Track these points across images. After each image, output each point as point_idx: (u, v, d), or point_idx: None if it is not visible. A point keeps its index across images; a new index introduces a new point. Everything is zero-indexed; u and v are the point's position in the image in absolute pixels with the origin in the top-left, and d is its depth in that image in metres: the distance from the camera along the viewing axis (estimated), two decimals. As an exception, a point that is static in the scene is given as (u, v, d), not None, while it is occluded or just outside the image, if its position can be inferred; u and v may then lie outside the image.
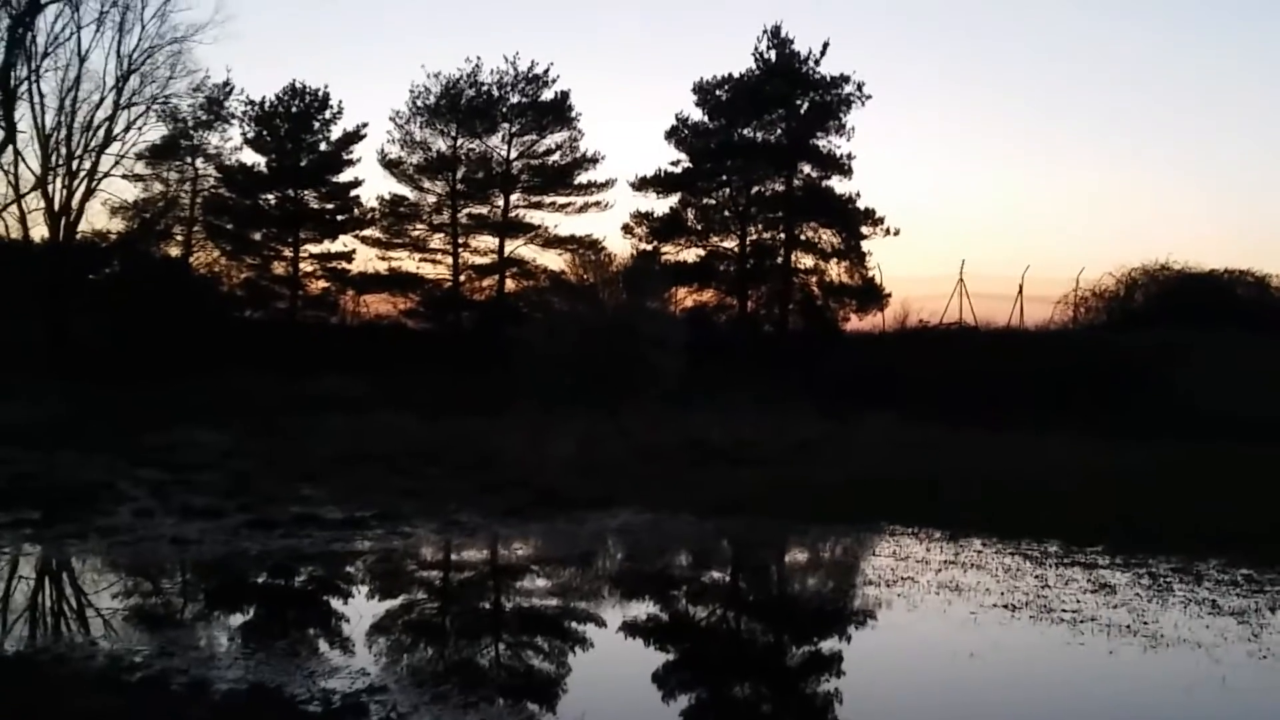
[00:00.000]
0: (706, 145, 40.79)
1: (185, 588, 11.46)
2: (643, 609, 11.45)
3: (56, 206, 34.45)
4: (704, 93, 40.71)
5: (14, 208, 34.36)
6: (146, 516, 13.86)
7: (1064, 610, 10.33)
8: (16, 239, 34.79)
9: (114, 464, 17.56)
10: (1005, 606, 10.49)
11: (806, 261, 40.57)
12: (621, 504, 15.84)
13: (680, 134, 41.08)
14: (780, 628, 11.14)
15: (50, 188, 34.46)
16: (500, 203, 41.80)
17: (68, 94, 33.95)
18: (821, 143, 40.17)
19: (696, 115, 40.93)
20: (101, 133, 34.97)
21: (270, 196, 42.52)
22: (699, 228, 41.24)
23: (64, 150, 34.43)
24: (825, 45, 39.58)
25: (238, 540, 12.80)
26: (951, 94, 76.15)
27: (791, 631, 10.90)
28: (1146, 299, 38.71)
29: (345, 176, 42.74)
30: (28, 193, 34.30)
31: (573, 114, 41.51)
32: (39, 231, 35.29)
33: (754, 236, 40.78)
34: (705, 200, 41.30)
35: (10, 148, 33.85)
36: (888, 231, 39.73)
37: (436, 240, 42.37)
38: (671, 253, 41.02)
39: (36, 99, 33.51)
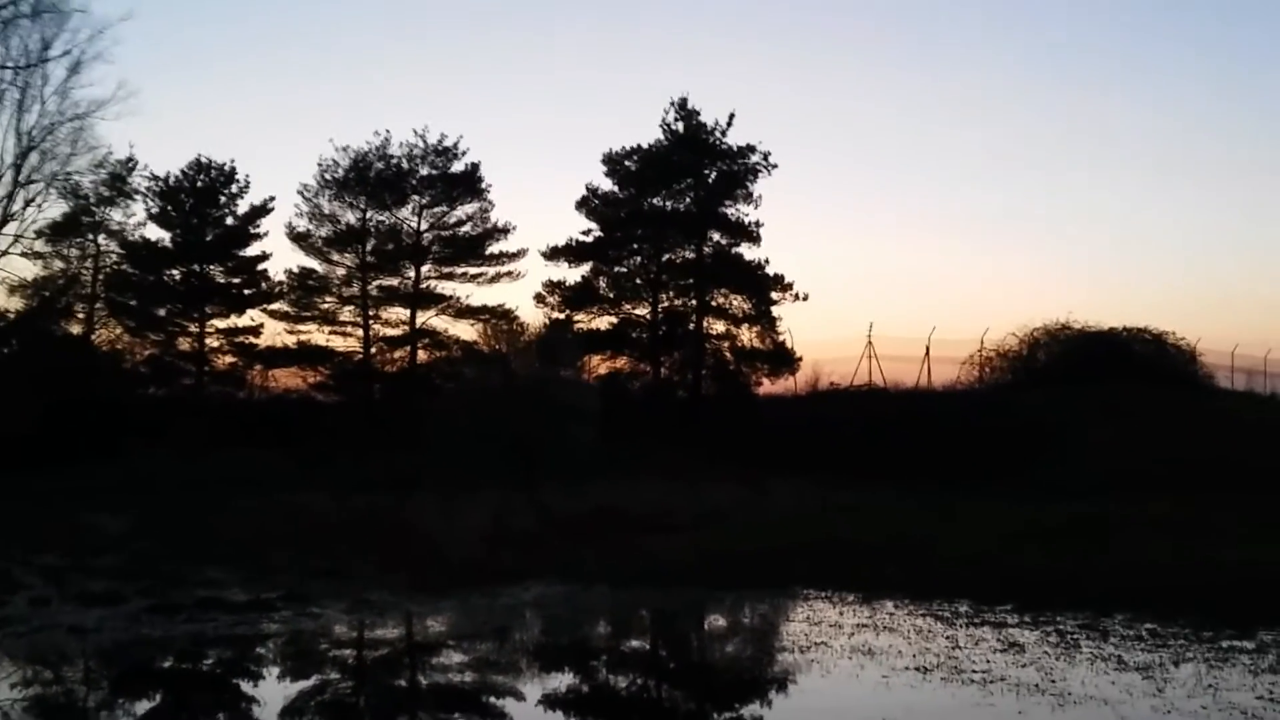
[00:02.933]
0: (617, 214, 41.07)
1: (85, 677, 11.09)
2: (562, 680, 11.37)
3: (-49, 285, 33.53)
4: (613, 163, 41.09)
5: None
6: (43, 605, 13.36)
7: (974, 671, 10.45)
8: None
9: (8, 550, 16.90)
10: (917, 669, 10.59)
11: (718, 327, 40.91)
12: (536, 577, 15.72)
13: (591, 204, 41.32)
14: (700, 696, 11.10)
15: (-56, 266, 33.56)
16: (411, 274, 41.54)
17: (-38, 171, 33.21)
18: (730, 211, 40.70)
19: (606, 185, 41.29)
20: (0, 211, 34.21)
21: (175, 272, 41.72)
22: (611, 296, 41.39)
23: (-42, 228, 33.57)
24: (731, 116, 40.32)
25: (139, 626, 12.42)
26: (853, 160, 78.02)
27: (711, 700, 10.87)
28: (1049, 357, 39.63)
29: (252, 250, 42.18)
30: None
31: (483, 185, 41.58)
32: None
33: (666, 303, 41.02)
34: (617, 269, 41.51)
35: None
36: (797, 296, 40.25)
37: (346, 313, 41.92)
38: (584, 321, 41.06)
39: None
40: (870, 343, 40.27)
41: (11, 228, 34.48)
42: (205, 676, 11.37)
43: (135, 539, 18.59)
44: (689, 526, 19.91)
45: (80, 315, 39.99)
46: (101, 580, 14.79)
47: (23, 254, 35.86)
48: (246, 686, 10.93)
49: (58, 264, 38.43)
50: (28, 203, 34.63)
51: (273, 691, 10.55)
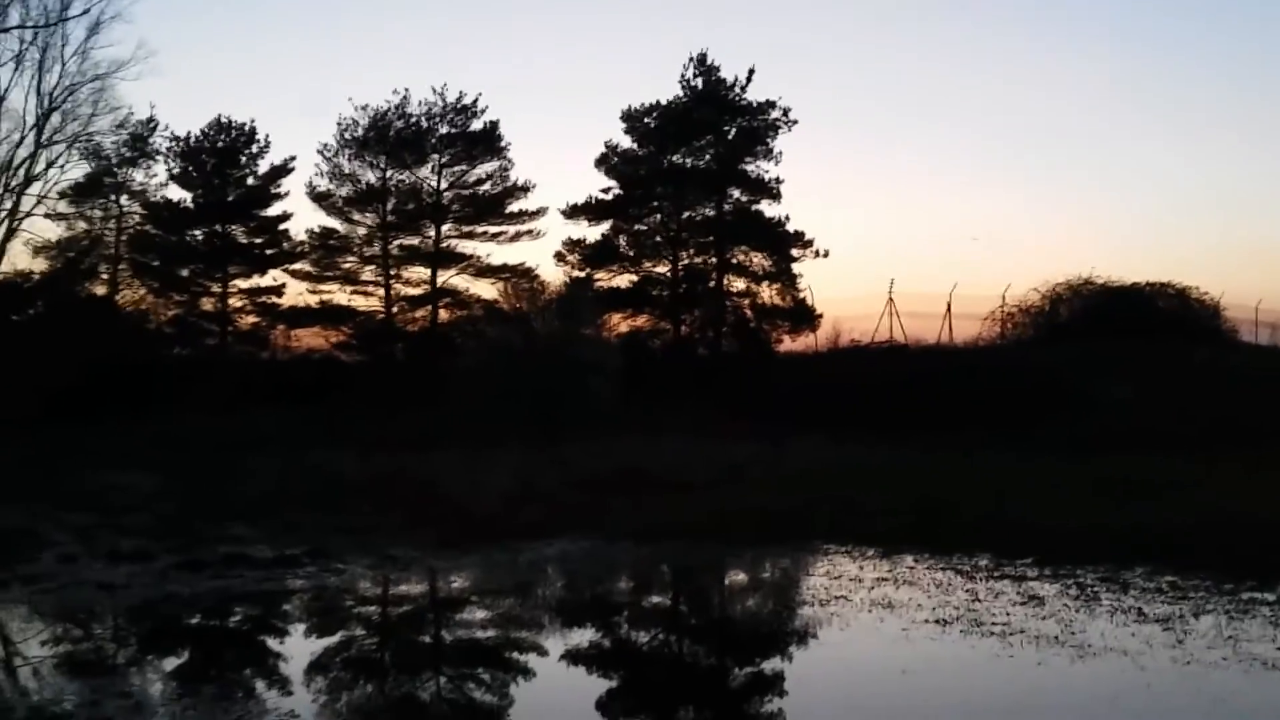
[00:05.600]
0: (636, 172, 40.98)
1: (114, 633, 11.28)
2: (584, 636, 11.47)
3: (-23, 248, 33.80)
4: (632, 120, 40.93)
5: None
6: (71, 562, 13.56)
7: (994, 623, 10.50)
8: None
9: (36, 509, 17.11)
10: (937, 622, 10.64)
11: (739, 285, 40.90)
12: (558, 533, 15.83)
13: (610, 161, 41.23)
14: (721, 650, 11.20)
15: (-31, 228, 33.80)
16: (432, 233, 41.60)
17: (-14, 133, 33.38)
18: (750, 167, 40.57)
19: (626, 143, 41.17)
20: (22, 172, 34.41)
21: (198, 232, 41.96)
22: (631, 254, 41.38)
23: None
24: (750, 72, 40.07)
25: (167, 583, 12.59)
26: (874, 115, 77.33)
27: (733, 654, 10.98)
28: (1071, 313, 39.43)
29: (274, 210, 42.38)
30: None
31: (502, 143, 41.53)
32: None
33: (686, 261, 40.97)
34: (637, 226, 41.47)
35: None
36: (817, 253, 40.14)
37: (368, 272, 42.09)
38: (604, 279, 41.07)
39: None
40: (891, 299, 40.17)
41: (35, 189, 34.75)
42: (232, 632, 11.54)
43: (163, 497, 18.79)
44: (710, 483, 19.96)
45: (104, 276, 40.31)
46: (130, 538, 14.98)
47: (46, 215, 36.20)
48: (273, 642, 11.10)
49: (81, 225, 38.77)
50: (50, 164, 34.83)
51: (299, 646, 10.70)
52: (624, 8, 77.60)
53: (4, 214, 34.12)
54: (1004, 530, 15.22)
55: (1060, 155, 78.25)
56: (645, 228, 41.54)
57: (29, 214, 35.13)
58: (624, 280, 41.33)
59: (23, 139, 34.13)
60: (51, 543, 14.63)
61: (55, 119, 34.49)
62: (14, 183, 34.27)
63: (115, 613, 11.73)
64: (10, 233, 34.64)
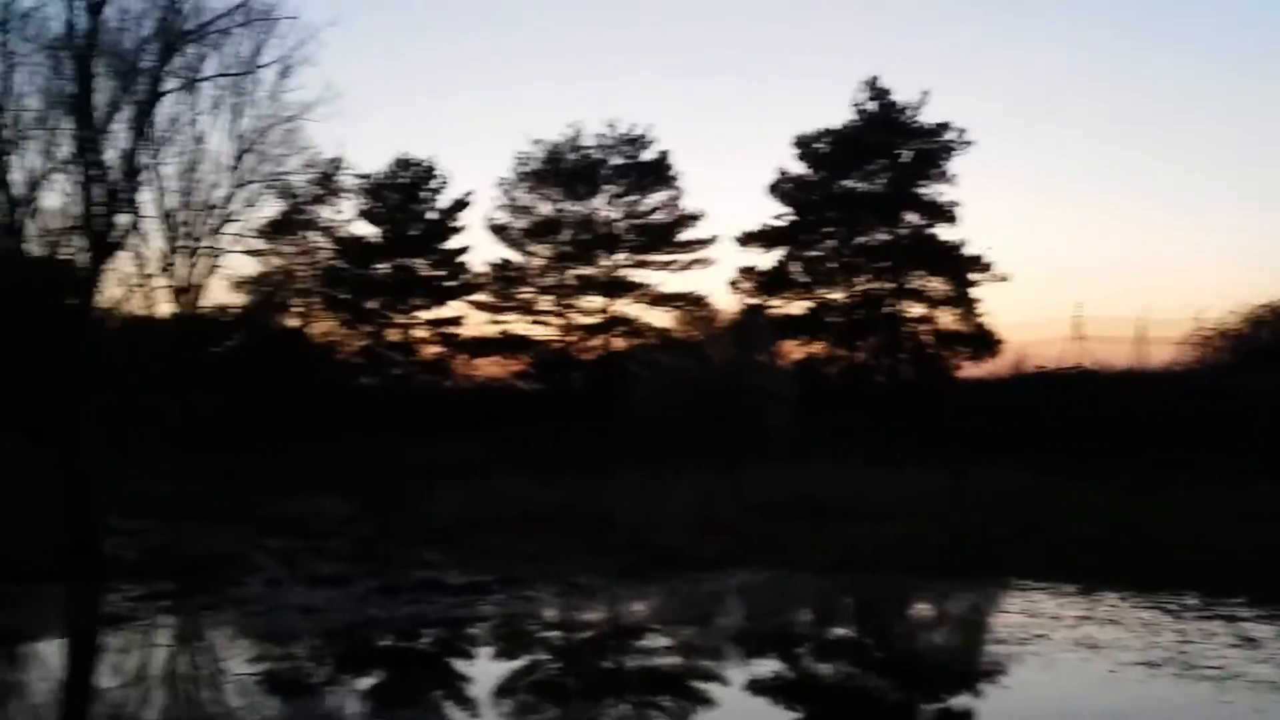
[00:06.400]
0: (809, 198, 40.77)
1: (317, 655, 11.66)
2: (766, 666, 11.36)
3: (180, 284, 35.78)
4: (804, 145, 40.76)
5: (141, 287, 35.68)
6: (276, 585, 14.18)
7: (1207, 667, 9.95)
8: (144, 316, 36.13)
9: (243, 535, 17.99)
10: (1146, 664, 10.15)
11: (916, 310, 40.14)
12: (738, 563, 15.75)
13: (782, 187, 41.13)
14: (909, 685, 10.92)
15: (174, 266, 35.81)
16: (605, 263, 42.26)
17: (187, 175, 35.39)
18: (925, 191, 39.87)
19: (798, 168, 41.03)
20: (221, 211, 36.27)
21: (383, 266, 43.61)
22: (805, 280, 41.12)
23: (186, 229, 35.79)
24: (924, 94, 39.44)
25: (366, 607, 13.02)
26: (1054, 136, 74.88)
27: (920, 689, 10.68)
28: (1274, 336, 37.37)
29: (454, 243, 43.72)
30: (154, 274, 35.62)
31: (673, 173, 41.92)
32: (164, 309, 36.66)
33: (861, 287, 40.47)
34: (810, 252, 41.20)
35: (136, 230, 35.23)
36: (997, 277, 39.23)
37: (545, 302, 42.95)
38: (778, 306, 40.90)
39: (159, 182, 34.96)
40: (1078, 323, 38.79)
41: (233, 227, 36.53)
42: (427, 655, 11.82)
43: (354, 523, 19.50)
44: (889, 513, 19.50)
45: (297, 309, 42.11)
46: (328, 562, 15.58)
47: (243, 251, 38.00)
48: (465, 665, 11.34)
49: (275, 260, 40.60)
50: (246, 203, 36.62)
51: (490, 670, 10.93)
52: (795, 34, 77.34)
53: (205, 251, 36.02)
54: (1210, 566, 14.40)
55: (1250, 174, 74.19)
56: (819, 254, 41.20)
57: (227, 250, 37.05)
58: (798, 307, 41.07)
59: (221, 180, 36.05)
60: (257, 567, 15.33)
61: (250, 160, 36.27)
62: (213, 221, 36.18)
63: (318, 634, 12.14)
64: (211, 269, 36.59)
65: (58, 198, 16.58)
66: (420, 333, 43.50)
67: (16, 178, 15.51)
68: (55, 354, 15.47)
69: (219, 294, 39.53)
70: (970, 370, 39.90)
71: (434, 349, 43.74)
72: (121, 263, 32.56)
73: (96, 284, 16.21)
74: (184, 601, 13.33)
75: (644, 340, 40.98)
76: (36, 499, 18.53)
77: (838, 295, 40.80)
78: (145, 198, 35.54)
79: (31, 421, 32.40)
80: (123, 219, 16.34)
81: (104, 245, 15.59)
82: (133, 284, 34.59)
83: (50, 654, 11.68)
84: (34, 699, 9.85)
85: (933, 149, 39.77)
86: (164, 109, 33.00)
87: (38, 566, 14.15)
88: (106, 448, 19.58)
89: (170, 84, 18.65)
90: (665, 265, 42.37)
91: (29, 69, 16.59)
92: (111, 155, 16.11)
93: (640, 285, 42.33)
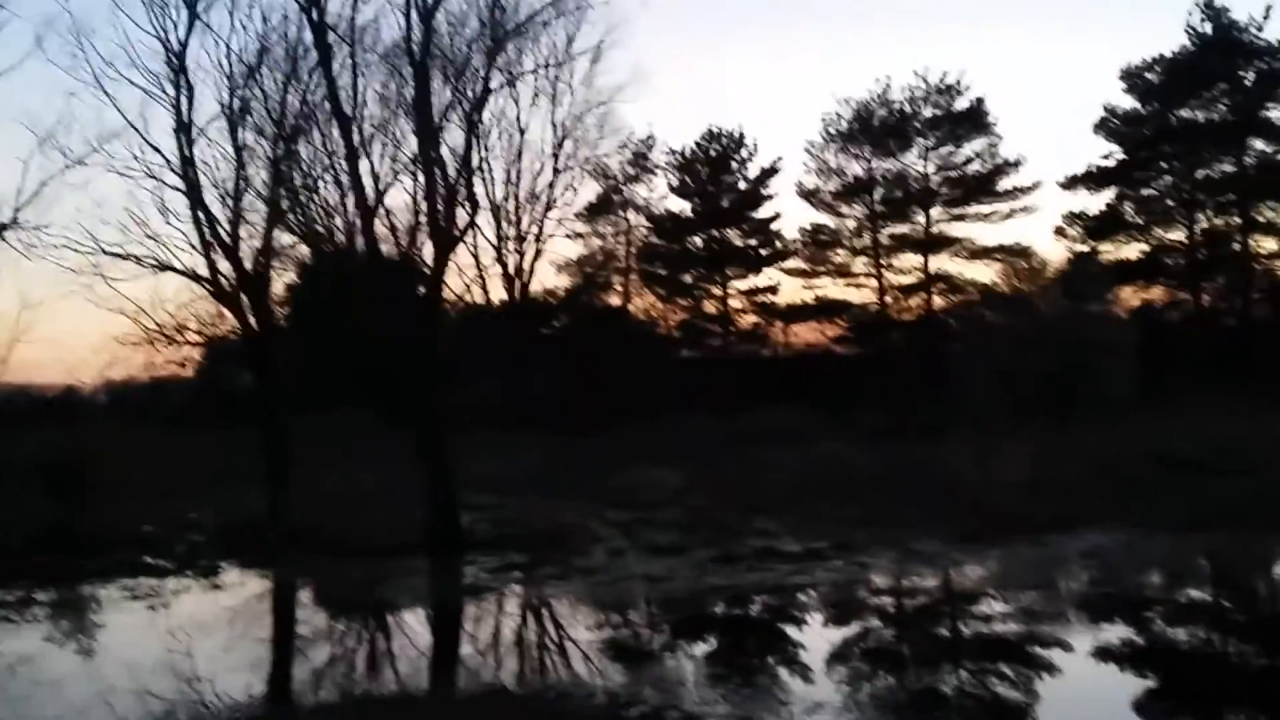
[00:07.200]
0: (1140, 133, 38.15)
1: (666, 623, 12.08)
2: (1115, 633, 10.82)
3: (510, 271, 37.85)
4: (1132, 78, 38.13)
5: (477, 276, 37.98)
6: (619, 556, 14.78)
7: None
8: (479, 304, 38.49)
9: (582, 507, 18.80)
10: None
11: (1268, 245, 36.85)
12: (1086, 524, 15.05)
13: (1109, 124, 38.70)
14: (1275, 652, 10.10)
15: (504, 254, 37.92)
16: (921, 219, 41.16)
17: (512, 166, 37.34)
18: (1275, 114, 36.43)
19: (1126, 103, 38.45)
20: (544, 198, 38.04)
21: (697, 239, 44.35)
22: (1139, 222, 38.54)
23: (513, 218, 37.82)
24: (1268, 10, 35.95)
25: (705, 575, 13.35)
26: None
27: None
28: None
29: (765, 212, 43.84)
30: (489, 264, 37.84)
31: (989, 120, 40.25)
32: (496, 295, 38.90)
33: (1203, 225, 37.53)
34: (1144, 191, 38.58)
35: (473, 223, 37.49)
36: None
37: (858, 264, 42.40)
38: (1110, 251, 38.63)
39: (487, 175, 37.06)
40: None
41: (555, 212, 38.23)
42: (768, 623, 12.00)
43: (687, 493, 19.99)
44: (1256, 467, 18.07)
45: (617, 287, 43.60)
46: (664, 532, 16.08)
47: (566, 235, 39.71)
48: (810, 634, 11.37)
49: (595, 242, 42.20)
50: (566, 188, 38.21)
51: (830, 636, 10.98)
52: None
53: (532, 237, 37.91)
54: None
55: None
56: (1154, 192, 38.54)
57: (551, 235, 38.81)
58: (1132, 251, 38.62)
59: (542, 168, 37.79)
60: (599, 537, 16.04)
61: (568, 146, 37.81)
62: (538, 209, 38.01)
63: (661, 603, 12.59)
64: (537, 254, 38.47)
65: (402, 197, 17.89)
66: (736, 303, 43.99)
67: (366, 181, 16.77)
68: (411, 343, 16.67)
69: (545, 277, 41.55)
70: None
71: (750, 318, 44.10)
72: (460, 254, 34.82)
73: (442, 276, 17.33)
74: (534, 572, 14.05)
75: (965, 297, 39.75)
76: (394, 475, 20.20)
77: (1177, 235, 38.06)
78: (477, 191, 37.86)
79: (385, 402, 35.38)
80: (461, 214, 17.38)
81: (446, 239, 16.65)
82: (470, 274, 36.90)
83: (421, 622, 12.69)
84: (407, 664, 10.72)
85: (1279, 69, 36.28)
86: (489, 105, 35.19)
87: (404, 542, 15.35)
88: (452, 428, 20.95)
89: (496, 81, 19.58)
90: (984, 217, 40.83)
91: (371, 78, 17.96)
92: (447, 154, 17.22)
93: (959, 240, 41.00)
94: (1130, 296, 37.48)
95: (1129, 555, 13.82)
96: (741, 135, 43.38)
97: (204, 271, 22.61)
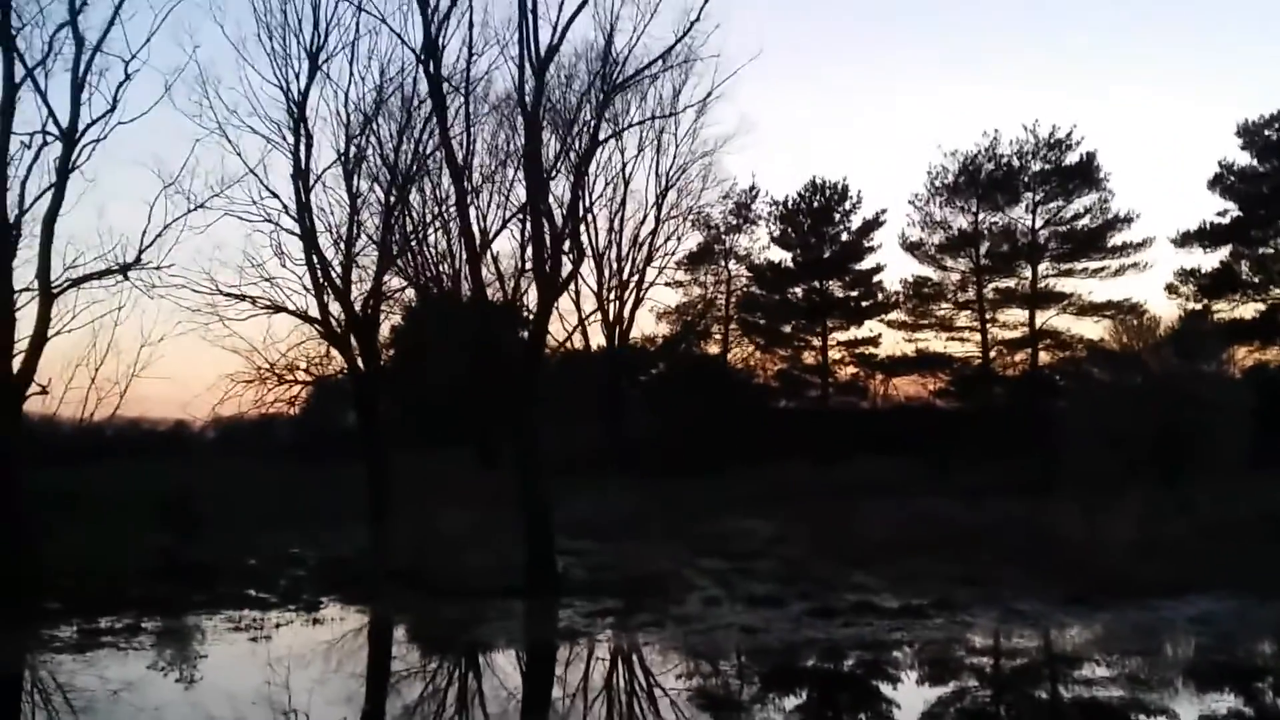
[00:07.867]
0: (1258, 190, 37.23)
1: (758, 675, 11.97)
2: (1223, 703, 10.47)
3: (611, 318, 38.22)
4: (1250, 134, 37.28)
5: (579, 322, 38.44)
6: (714, 604, 14.67)
7: None
8: (579, 349, 38.89)
9: (677, 553, 18.74)
10: None
11: (1394, 305, 35.62)
12: (1196, 588, 14.56)
13: (1225, 181, 37.86)
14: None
15: (606, 301, 38.30)
16: (1027, 274, 40.54)
17: (615, 215, 37.80)
18: (1399, 172, 35.39)
19: (1243, 159, 37.64)
20: (646, 246, 38.39)
21: (797, 289, 44.26)
22: (1256, 280, 37.54)
23: (615, 266, 38.24)
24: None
25: (802, 628, 13.19)
26: None
27: None
28: None
29: (867, 264, 43.63)
30: (591, 312, 38.27)
31: (1101, 174, 39.58)
32: (596, 341, 39.29)
33: (1327, 284, 36.48)
34: (1261, 249, 37.61)
35: (576, 271, 38.04)
36: None
37: (962, 318, 41.93)
38: (1224, 310, 37.66)
39: (591, 223, 37.54)
40: None
41: (656, 260, 38.58)
42: (865, 679, 11.82)
43: (782, 543, 19.85)
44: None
45: (716, 336, 43.69)
46: (760, 582, 15.94)
47: (666, 284, 40.02)
48: (911, 692, 11.17)
49: (695, 290, 42.45)
50: (668, 237, 38.57)
51: (929, 695, 10.77)
52: (1221, 17, 70.78)
53: (633, 285, 38.26)
54: None
55: None
56: (1272, 250, 37.51)
57: (652, 283, 39.16)
58: (1248, 310, 37.62)
59: (645, 217, 38.19)
60: (693, 586, 15.94)
61: (671, 196, 38.20)
62: (639, 257, 38.37)
63: (759, 653, 12.46)
64: (638, 302, 38.81)
65: (508, 243, 18.24)
66: (836, 354, 43.73)
67: (474, 228, 17.12)
68: (513, 387, 16.88)
69: (645, 324, 41.82)
70: None
71: (850, 369, 43.80)
72: (562, 300, 35.28)
73: (545, 322, 17.56)
74: (629, 618, 13.95)
75: (1072, 353, 39.00)
76: (490, 516, 20.40)
77: (1296, 294, 36.96)
78: (581, 239, 38.36)
79: (483, 443, 35.86)
80: (566, 261, 17.62)
81: (550, 286, 16.89)
82: (572, 321, 37.36)
83: (514, 664, 12.78)
84: (497, 705, 10.85)
85: None
86: (595, 155, 35.76)
87: (500, 583, 15.48)
88: (549, 471, 21.14)
89: (604, 132, 19.92)
90: (1094, 273, 40.10)
91: (481, 128, 18.41)
92: (553, 202, 17.51)
93: (1067, 295, 40.28)
94: (1244, 356, 36.43)
95: (1240, 622, 13.32)
96: (845, 186, 43.37)
97: (315, 313, 23.46)
